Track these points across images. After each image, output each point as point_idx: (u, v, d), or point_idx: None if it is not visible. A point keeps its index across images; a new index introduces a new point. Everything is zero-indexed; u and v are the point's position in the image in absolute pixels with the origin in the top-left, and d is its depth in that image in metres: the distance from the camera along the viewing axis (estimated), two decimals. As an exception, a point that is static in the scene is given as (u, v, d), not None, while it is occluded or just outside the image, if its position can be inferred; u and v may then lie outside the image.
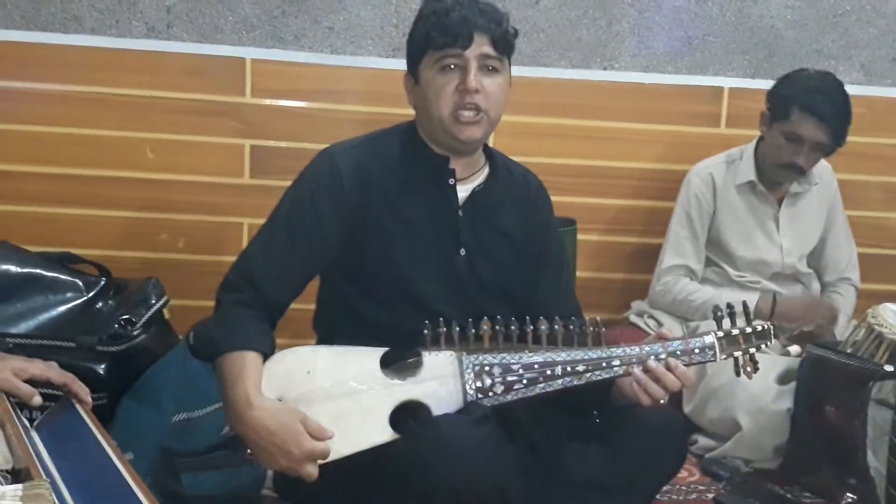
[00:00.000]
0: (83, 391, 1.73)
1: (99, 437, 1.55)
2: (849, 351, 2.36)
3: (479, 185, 1.96)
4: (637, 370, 1.80)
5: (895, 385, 2.09)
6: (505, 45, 1.85)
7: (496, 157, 2.01)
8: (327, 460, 1.71)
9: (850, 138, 2.99)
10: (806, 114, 2.58)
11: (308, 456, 1.68)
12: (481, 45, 1.81)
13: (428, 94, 1.85)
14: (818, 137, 2.59)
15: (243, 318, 1.81)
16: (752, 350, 1.87)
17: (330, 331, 1.97)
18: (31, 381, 1.68)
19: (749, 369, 1.87)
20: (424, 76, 1.85)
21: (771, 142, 2.68)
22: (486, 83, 1.82)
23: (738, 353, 1.86)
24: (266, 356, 1.77)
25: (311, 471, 1.70)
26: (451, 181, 1.92)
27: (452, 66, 1.82)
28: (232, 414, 1.74)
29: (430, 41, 1.82)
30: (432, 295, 1.90)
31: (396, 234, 1.89)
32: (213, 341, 1.80)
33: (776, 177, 2.70)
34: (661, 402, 1.84)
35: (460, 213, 1.93)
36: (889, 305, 2.40)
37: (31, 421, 1.67)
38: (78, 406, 1.69)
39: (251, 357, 1.74)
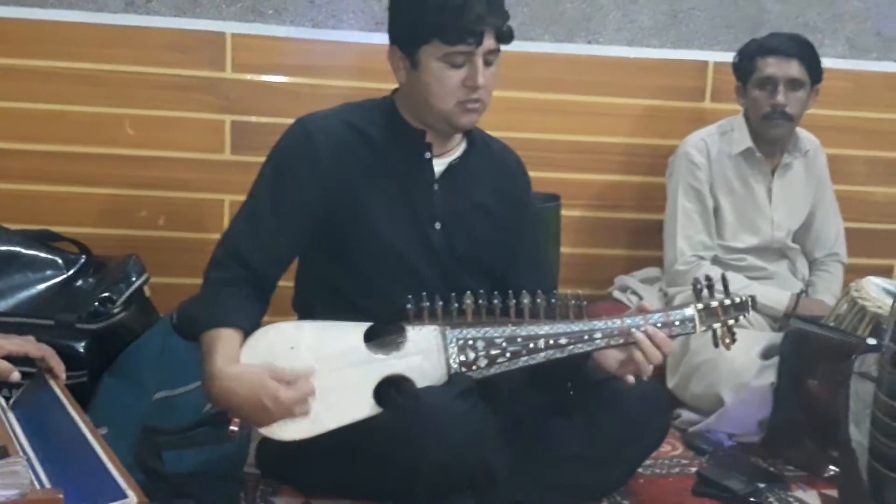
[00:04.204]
0: (59, 366, 1.73)
1: (72, 412, 1.56)
2: (832, 324, 2.38)
3: (455, 160, 1.97)
4: (637, 353, 1.81)
5: (878, 358, 2.10)
6: (507, 38, 1.86)
7: (474, 131, 2.01)
8: (311, 435, 1.72)
9: (833, 112, 3.04)
10: (767, 55, 2.66)
11: (288, 405, 1.70)
12: (489, 42, 1.81)
13: (431, 84, 1.84)
14: (788, 72, 2.64)
15: (225, 295, 1.82)
16: (731, 322, 1.90)
17: (309, 308, 1.98)
18: (9, 358, 1.69)
19: (728, 341, 1.91)
20: (427, 64, 1.83)
21: (750, 104, 2.71)
22: (486, 75, 1.83)
23: (717, 325, 1.90)
24: (246, 333, 1.78)
25: (300, 412, 1.71)
26: (428, 155, 1.93)
27: (460, 62, 1.81)
28: (204, 389, 1.76)
29: (441, 34, 1.79)
30: (409, 268, 1.91)
31: (371, 205, 1.90)
32: (194, 319, 1.82)
33: (767, 132, 2.70)
34: (644, 377, 1.86)
35: (436, 186, 1.94)
36: (872, 279, 2.42)
37: (7, 399, 1.67)
38: (52, 382, 1.70)
39: (226, 333, 1.76)
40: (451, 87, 1.83)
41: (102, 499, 1.25)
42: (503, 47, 1.87)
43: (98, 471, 1.32)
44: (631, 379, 1.85)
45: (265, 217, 1.88)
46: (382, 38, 2.79)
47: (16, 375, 1.69)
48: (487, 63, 1.84)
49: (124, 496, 1.25)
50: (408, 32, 1.85)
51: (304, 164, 1.88)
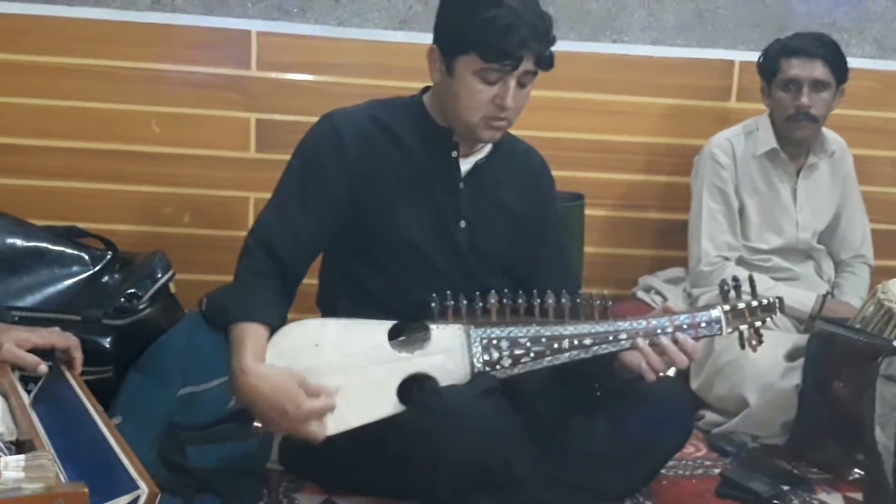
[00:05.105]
0: (80, 358, 1.75)
1: (87, 404, 1.56)
2: (858, 326, 2.35)
3: (481, 159, 1.96)
4: (643, 343, 1.80)
5: (904, 361, 2.08)
6: (546, 65, 1.83)
7: (500, 133, 2.00)
8: (335, 433, 1.72)
9: (861, 113, 3.01)
10: (791, 57, 2.63)
11: (307, 415, 1.70)
12: (527, 64, 1.79)
13: (461, 95, 1.82)
14: (812, 73, 2.61)
15: (256, 289, 1.83)
16: (758, 324, 1.88)
17: (333, 306, 1.99)
18: (35, 351, 1.70)
19: (754, 342, 1.89)
20: (462, 75, 1.81)
21: (775, 105, 2.69)
22: (517, 95, 1.82)
23: (743, 327, 1.88)
24: (273, 328, 1.79)
25: (316, 430, 1.71)
26: (454, 154, 1.93)
27: (494, 79, 1.80)
28: (230, 382, 1.76)
29: (481, 50, 1.77)
30: (433, 265, 1.92)
31: (396, 202, 1.90)
32: (224, 309, 1.83)
33: (792, 133, 2.67)
34: (664, 374, 1.85)
35: (461, 185, 1.94)
36: (899, 281, 2.39)
37: (28, 393, 1.68)
38: (68, 374, 1.71)
39: (256, 328, 1.76)
40: (479, 102, 1.81)
41: (116, 490, 1.25)
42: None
43: (112, 462, 1.33)
44: (652, 377, 1.83)
45: (293, 209, 1.88)
46: (406, 37, 2.83)
47: (42, 368, 1.70)
48: (522, 84, 1.82)
49: (136, 487, 1.26)
50: (450, 39, 1.83)
51: (332, 157, 1.88)
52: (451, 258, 1.94)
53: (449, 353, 1.78)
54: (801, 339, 2.49)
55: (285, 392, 1.69)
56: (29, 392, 1.69)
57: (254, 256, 1.85)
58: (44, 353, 1.73)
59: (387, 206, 1.90)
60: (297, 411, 1.69)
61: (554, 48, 1.84)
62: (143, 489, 1.26)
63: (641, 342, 1.81)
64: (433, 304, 1.80)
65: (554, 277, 2.00)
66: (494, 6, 1.75)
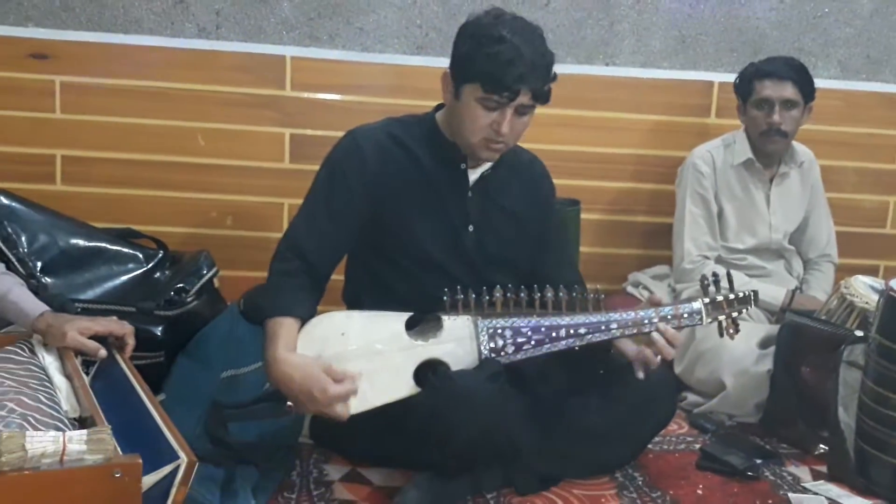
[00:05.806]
0: (132, 344, 1.78)
1: (135, 383, 1.59)
2: (823, 318, 2.35)
3: (487, 170, 1.96)
4: (657, 336, 1.81)
5: (864, 348, 2.08)
6: (543, 99, 1.82)
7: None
8: (358, 411, 1.73)
9: (827, 127, 3.01)
10: (764, 79, 2.62)
11: (333, 398, 1.71)
12: (524, 98, 1.78)
13: (464, 117, 1.82)
14: (782, 93, 2.60)
15: (287, 286, 1.84)
16: (735, 314, 1.88)
17: (357, 299, 2.00)
18: (95, 338, 1.72)
19: (731, 331, 1.89)
20: (466, 100, 1.81)
21: (749, 122, 2.68)
22: (514, 123, 1.81)
23: (722, 317, 1.88)
24: (304, 321, 1.79)
25: (341, 411, 1.72)
26: (463, 166, 1.93)
27: (493, 106, 1.80)
28: (265, 369, 1.77)
29: (483, 80, 1.77)
30: (444, 265, 1.92)
31: (411, 210, 1.91)
32: (260, 307, 1.84)
33: (765, 147, 2.67)
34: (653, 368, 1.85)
35: (470, 194, 1.94)
36: (860, 277, 2.39)
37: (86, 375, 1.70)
38: (118, 357, 1.72)
39: (287, 322, 1.77)
40: (479, 126, 1.81)
41: (160, 460, 1.27)
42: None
43: (156, 435, 1.34)
44: (640, 374, 1.85)
45: (320, 216, 1.89)
46: (422, 61, 2.83)
47: (102, 353, 1.72)
48: (521, 113, 1.81)
49: (177, 457, 1.27)
50: (459, 67, 1.83)
51: (354, 170, 1.89)
52: (460, 259, 1.94)
53: (459, 341, 1.79)
54: (773, 329, 2.48)
55: (313, 378, 1.71)
56: (87, 374, 1.71)
57: (285, 259, 1.86)
58: (97, 338, 1.75)
59: (403, 214, 1.90)
60: (324, 395, 1.70)
61: (554, 68, 1.84)
62: (183, 458, 1.27)
63: (657, 336, 1.81)
64: (445, 298, 1.80)
65: (561, 271, 2.00)
66: (499, 43, 1.75)
